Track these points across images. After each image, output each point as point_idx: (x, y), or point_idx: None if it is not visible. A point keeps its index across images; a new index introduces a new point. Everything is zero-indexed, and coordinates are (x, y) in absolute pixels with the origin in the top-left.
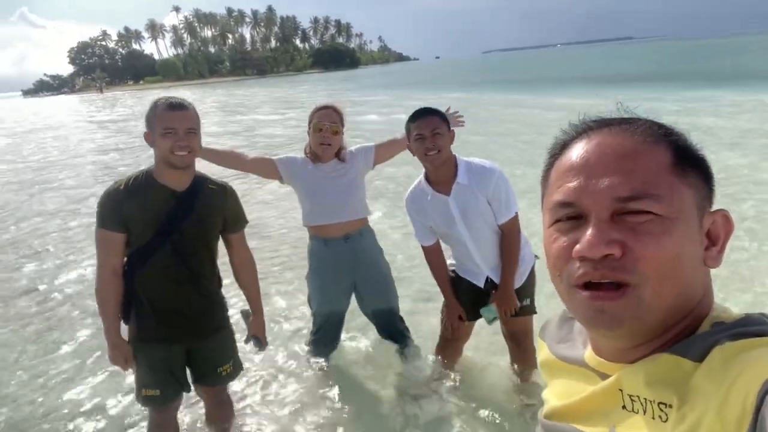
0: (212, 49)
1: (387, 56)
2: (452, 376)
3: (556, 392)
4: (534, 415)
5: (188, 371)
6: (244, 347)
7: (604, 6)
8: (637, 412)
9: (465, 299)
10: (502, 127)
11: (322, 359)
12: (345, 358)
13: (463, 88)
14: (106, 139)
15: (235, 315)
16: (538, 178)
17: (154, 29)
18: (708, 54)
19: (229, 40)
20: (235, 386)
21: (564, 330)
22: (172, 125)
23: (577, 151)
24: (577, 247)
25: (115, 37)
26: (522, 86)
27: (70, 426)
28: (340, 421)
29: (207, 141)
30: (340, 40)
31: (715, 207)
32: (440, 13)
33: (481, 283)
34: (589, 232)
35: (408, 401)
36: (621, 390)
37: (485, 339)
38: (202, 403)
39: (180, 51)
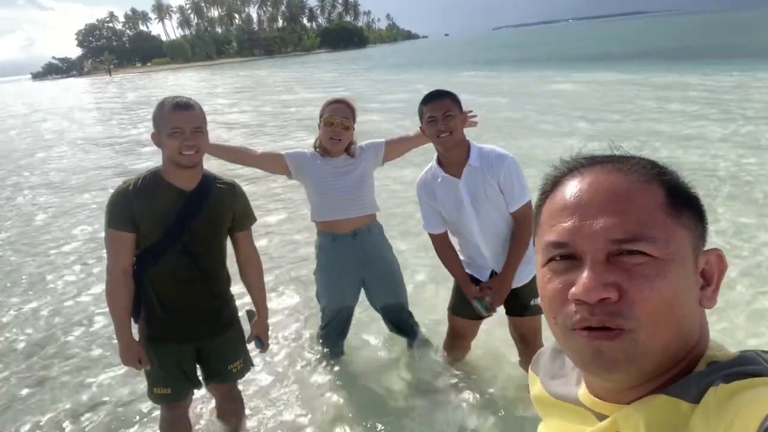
0: (219, 30)
1: (395, 34)
2: (461, 373)
3: (551, 431)
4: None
5: (199, 368)
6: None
7: None
8: None
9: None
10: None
11: (331, 353)
12: (354, 352)
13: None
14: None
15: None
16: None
17: (161, 10)
18: (734, 28)
19: (236, 20)
20: (245, 382)
21: (557, 364)
22: (178, 125)
23: (569, 190)
24: (573, 290)
25: (122, 19)
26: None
27: (82, 423)
28: (349, 415)
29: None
30: (348, 18)
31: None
32: None
33: (485, 278)
34: (585, 275)
35: (416, 396)
36: None
37: (494, 337)
38: (213, 400)
39: (187, 32)
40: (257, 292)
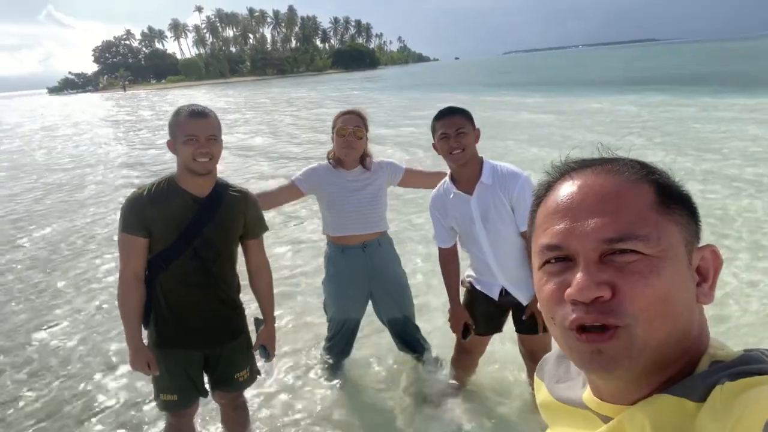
0: (233, 49)
1: (406, 57)
2: (468, 389)
3: None
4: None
5: (205, 376)
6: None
7: (627, 7)
8: None
9: (480, 313)
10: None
11: (337, 365)
12: (360, 365)
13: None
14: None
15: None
16: None
17: (177, 29)
18: (747, 56)
19: (251, 40)
20: (250, 391)
21: (562, 369)
22: (193, 132)
23: (561, 193)
24: (568, 290)
25: (138, 37)
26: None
27: (87, 429)
28: (354, 429)
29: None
30: (360, 40)
31: None
32: (460, 12)
33: (495, 295)
34: (579, 275)
35: (422, 411)
36: None
37: (503, 353)
38: (218, 408)
39: (202, 51)
40: (266, 300)
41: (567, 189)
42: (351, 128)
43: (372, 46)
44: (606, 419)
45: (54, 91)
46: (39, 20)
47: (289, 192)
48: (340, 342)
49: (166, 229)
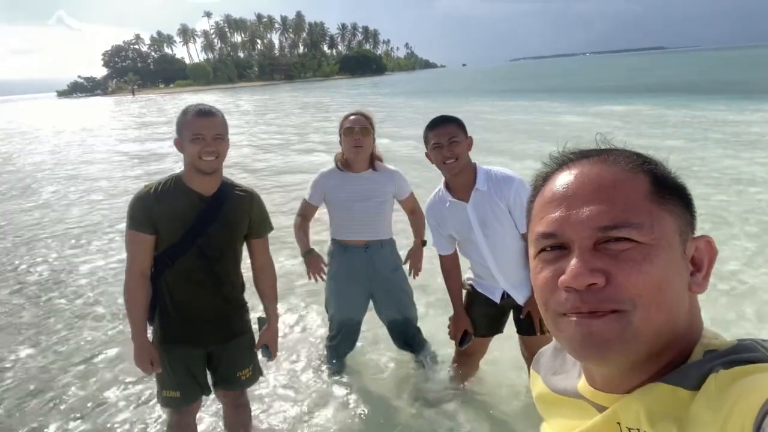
0: (241, 54)
1: (413, 63)
2: (468, 391)
3: (554, 430)
4: None
5: (208, 374)
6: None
7: (634, 15)
8: None
9: (480, 315)
10: None
11: (339, 366)
12: (362, 366)
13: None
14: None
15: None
16: None
17: (186, 34)
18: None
19: (259, 46)
20: (252, 391)
21: (558, 361)
22: (200, 131)
23: (557, 183)
24: (562, 277)
25: (148, 41)
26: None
27: (89, 424)
28: (354, 428)
29: None
30: (368, 46)
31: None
32: (467, 20)
33: (496, 298)
34: (573, 262)
35: (423, 413)
36: (619, 423)
37: (504, 355)
38: (220, 406)
39: (210, 56)
40: (269, 300)
41: (563, 179)
42: (358, 127)
43: (379, 52)
44: (601, 408)
45: (63, 94)
46: (49, 24)
47: (311, 212)
48: (341, 342)
49: (172, 227)
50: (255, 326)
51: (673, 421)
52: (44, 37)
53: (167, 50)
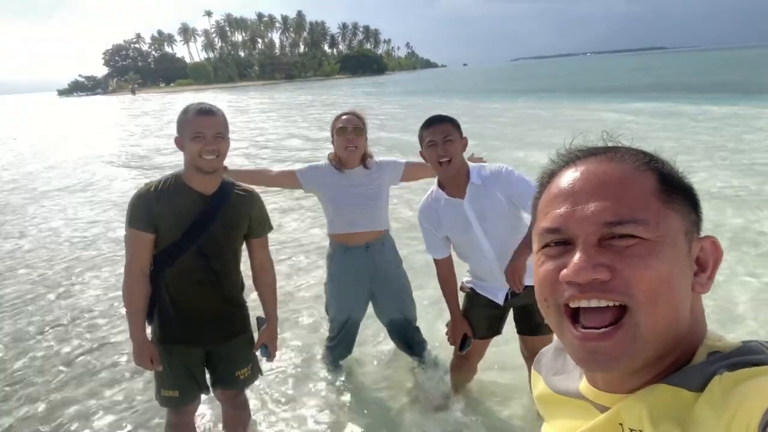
0: (242, 54)
1: (414, 62)
2: (467, 392)
3: (556, 431)
4: None
5: (207, 373)
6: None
7: (635, 15)
8: None
9: (480, 317)
10: None
11: (338, 367)
12: (361, 367)
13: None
14: None
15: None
16: None
17: (187, 33)
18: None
19: (259, 45)
20: (251, 390)
21: (559, 361)
22: (201, 130)
23: (564, 179)
24: (565, 271)
25: (148, 40)
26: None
27: (87, 424)
28: (354, 429)
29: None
30: (368, 46)
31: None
32: (468, 19)
33: (500, 300)
34: (577, 256)
35: (421, 414)
36: (621, 424)
37: (504, 356)
38: (219, 406)
39: (211, 55)
40: (269, 299)
41: (570, 176)
42: (350, 126)
43: (380, 51)
44: (603, 408)
45: (63, 93)
46: (50, 23)
47: (287, 178)
48: (341, 342)
49: (171, 226)
50: (254, 326)
51: (676, 423)
52: (44, 37)
53: (168, 49)
